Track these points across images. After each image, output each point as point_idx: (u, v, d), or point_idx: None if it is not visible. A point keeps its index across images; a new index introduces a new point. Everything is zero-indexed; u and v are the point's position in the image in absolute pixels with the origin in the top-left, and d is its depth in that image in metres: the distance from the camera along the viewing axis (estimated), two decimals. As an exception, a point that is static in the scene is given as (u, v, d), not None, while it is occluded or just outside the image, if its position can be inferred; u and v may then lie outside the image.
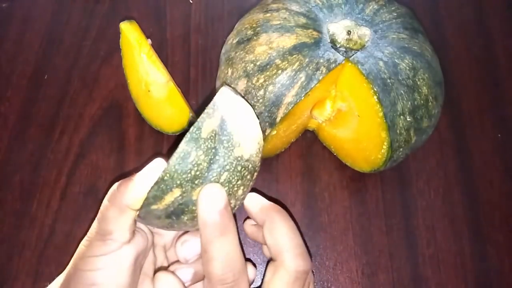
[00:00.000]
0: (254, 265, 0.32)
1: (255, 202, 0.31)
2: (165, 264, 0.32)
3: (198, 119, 0.25)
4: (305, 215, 0.42)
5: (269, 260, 0.30)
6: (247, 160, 0.26)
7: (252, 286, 0.28)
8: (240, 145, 0.26)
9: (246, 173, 0.27)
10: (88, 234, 0.28)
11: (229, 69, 0.38)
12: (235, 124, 0.26)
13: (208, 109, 0.25)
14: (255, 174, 0.28)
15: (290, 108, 0.35)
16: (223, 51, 0.40)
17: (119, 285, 0.27)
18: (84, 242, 0.28)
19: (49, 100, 0.47)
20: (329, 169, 0.44)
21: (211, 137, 0.25)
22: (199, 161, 0.25)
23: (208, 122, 0.25)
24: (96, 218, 0.28)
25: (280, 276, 0.28)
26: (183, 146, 0.24)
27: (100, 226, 0.27)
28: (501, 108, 0.48)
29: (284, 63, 0.35)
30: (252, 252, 0.41)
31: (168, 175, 0.24)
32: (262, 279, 0.29)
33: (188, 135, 0.24)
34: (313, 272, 0.40)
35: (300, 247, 0.29)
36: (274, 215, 0.29)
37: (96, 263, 0.26)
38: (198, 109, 0.46)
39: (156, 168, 0.27)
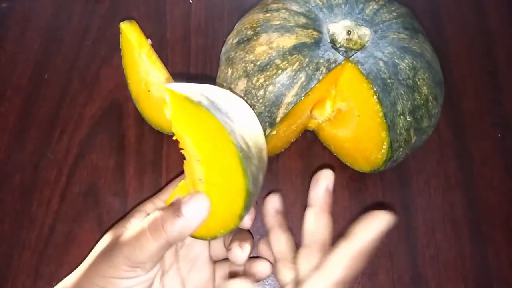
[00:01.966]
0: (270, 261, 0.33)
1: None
2: (175, 265, 0.33)
3: (235, 144, 0.25)
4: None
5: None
6: (264, 148, 0.28)
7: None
8: (259, 139, 0.27)
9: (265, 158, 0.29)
10: (113, 252, 0.28)
11: (229, 69, 0.38)
12: (244, 125, 0.26)
13: (226, 125, 0.25)
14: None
15: (290, 108, 0.35)
16: (223, 51, 0.40)
17: None
18: (105, 259, 0.28)
19: (49, 100, 0.47)
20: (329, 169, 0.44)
21: (247, 146, 0.26)
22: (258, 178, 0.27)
23: (237, 135, 0.25)
24: (128, 241, 0.27)
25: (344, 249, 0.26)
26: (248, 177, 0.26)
27: (134, 254, 0.27)
28: (501, 108, 0.48)
29: (284, 63, 0.35)
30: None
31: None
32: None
33: (246, 171, 0.25)
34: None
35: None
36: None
37: (118, 285, 0.27)
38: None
39: (203, 208, 0.27)
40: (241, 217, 0.27)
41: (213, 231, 0.29)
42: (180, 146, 0.29)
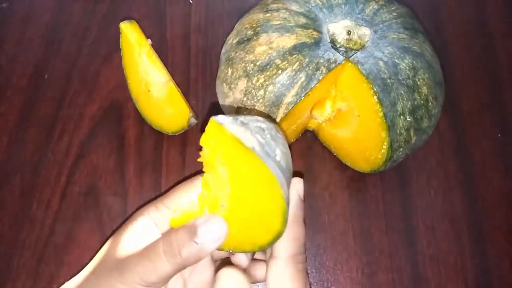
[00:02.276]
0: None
1: None
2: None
3: (285, 199, 0.24)
4: (305, 215, 0.42)
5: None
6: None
7: None
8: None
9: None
10: (124, 269, 0.28)
11: (229, 69, 0.38)
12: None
13: (277, 176, 0.24)
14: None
15: (290, 108, 0.35)
16: (223, 51, 0.40)
17: None
18: (115, 274, 0.28)
19: (49, 100, 0.47)
20: (329, 169, 0.44)
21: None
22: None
23: (285, 187, 0.25)
24: (141, 262, 0.27)
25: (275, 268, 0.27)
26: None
27: (148, 276, 0.27)
28: (501, 108, 0.48)
29: (284, 63, 0.35)
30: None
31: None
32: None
33: (286, 221, 0.25)
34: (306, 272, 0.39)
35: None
36: None
37: None
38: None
39: (221, 234, 0.27)
40: (262, 249, 0.27)
41: (224, 247, 0.28)
42: (205, 170, 0.28)
